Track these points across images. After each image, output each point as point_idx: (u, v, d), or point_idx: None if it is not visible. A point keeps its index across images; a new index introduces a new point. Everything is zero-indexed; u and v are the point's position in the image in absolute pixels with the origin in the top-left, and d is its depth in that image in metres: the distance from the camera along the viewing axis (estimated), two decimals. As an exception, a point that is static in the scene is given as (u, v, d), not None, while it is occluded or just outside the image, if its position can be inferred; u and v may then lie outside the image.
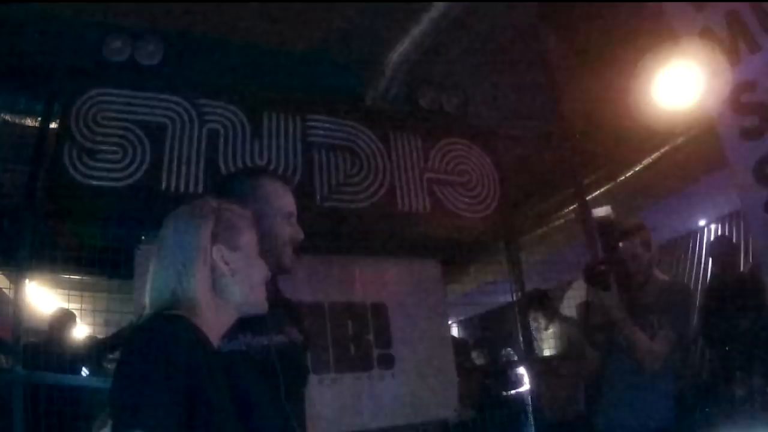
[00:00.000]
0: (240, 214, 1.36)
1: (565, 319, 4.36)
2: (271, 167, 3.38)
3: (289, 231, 1.58)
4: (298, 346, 1.62)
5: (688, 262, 6.13)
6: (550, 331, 4.46)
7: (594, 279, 2.20)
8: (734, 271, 4.19)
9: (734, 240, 5.19)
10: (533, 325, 4.62)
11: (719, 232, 5.88)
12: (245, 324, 1.43)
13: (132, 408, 1.02)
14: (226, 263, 1.26)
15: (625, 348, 2.22)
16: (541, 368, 4.05)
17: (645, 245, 2.38)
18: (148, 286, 1.23)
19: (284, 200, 1.61)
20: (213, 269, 1.25)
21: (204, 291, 1.21)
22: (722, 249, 4.38)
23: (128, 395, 1.05)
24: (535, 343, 4.59)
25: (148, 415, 1.01)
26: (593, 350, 2.40)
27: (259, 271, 1.34)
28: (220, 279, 1.25)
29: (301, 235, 1.60)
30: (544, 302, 4.43)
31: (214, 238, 1.26)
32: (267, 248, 1.45)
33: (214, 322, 1.22)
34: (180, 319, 1.14)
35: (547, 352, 4.52)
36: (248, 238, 1.33)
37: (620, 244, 2.38)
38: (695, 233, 6.21)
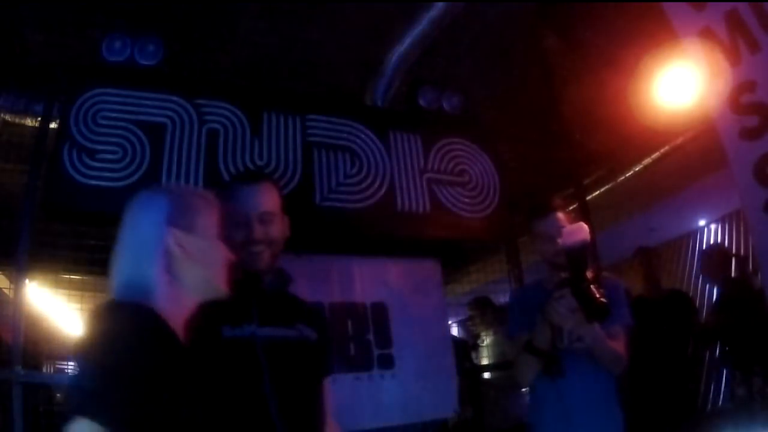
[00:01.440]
0: (198, 195, 1.34)
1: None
2: (271, 167, 3.38)
3: (238, 234, 1.60)
4: (311, 342, 1.64)
5: (689, 262, 6.13)
6: (487, 341, 4.47)
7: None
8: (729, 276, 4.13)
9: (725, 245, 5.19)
10: (472, 331, 4.68)
11: (719, 232, 5.89)
12: (253, 313, 1.51)
13: (81, 396, 1.01)
14: (181, 246, 1.22)
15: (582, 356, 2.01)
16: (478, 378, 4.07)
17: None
18: (110, 275, 1.22)
19: (251, 201, 1.65)
20: (169, 253, 1.21)
21: (160, 276, 1.18)
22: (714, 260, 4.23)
23: (78, 383, 1.04)
24: (473, 353, 4.62)
25: (96, 404, 0.99)
26: (533, 358, 2.07)
27: (218, 253, 1.30)
28: (176, 262, 1.22)
29: (255, 236, 1.62)
30: (486, 310, 4.45)
31: (169, 222, 1.22)
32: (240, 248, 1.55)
33: (173, 308, 1.20)
34: (134, 306, 1.11)
35: (485, 361, 4.55)
36: (205, 220, 1.29)
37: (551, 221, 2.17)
38: (695, 233, 6.21)
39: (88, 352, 1.06)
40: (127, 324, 1.07)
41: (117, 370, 1.01)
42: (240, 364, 1.50)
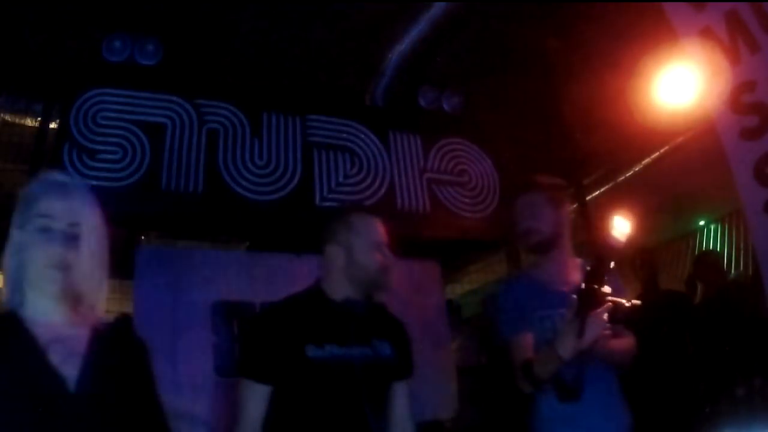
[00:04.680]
0: None
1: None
2: (271, 167, 3.38)
3: (379, 258, 1.75)
4: (384, 358, 1.74)
5: (688, 262, 6.13)
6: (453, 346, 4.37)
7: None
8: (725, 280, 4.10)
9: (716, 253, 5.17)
10: None
11: (719, 232, 5.89)
12: (333, 334, 1.65)
13: None
14: None
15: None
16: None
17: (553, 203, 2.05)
18: None
19: (372, 231, 1.79)
20: None
21: None
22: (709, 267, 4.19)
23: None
24: None
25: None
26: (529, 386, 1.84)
27: None
28: None
29: (392, 261, 1.78)
30: (452, 313, 4.38)
31: None
32: (360, 275, 1.72)
33: None
34: None
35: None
36: None
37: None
38: (695, 233, 6.21)
39: None
40: None
41: None
42: (321, 382, 1.63)
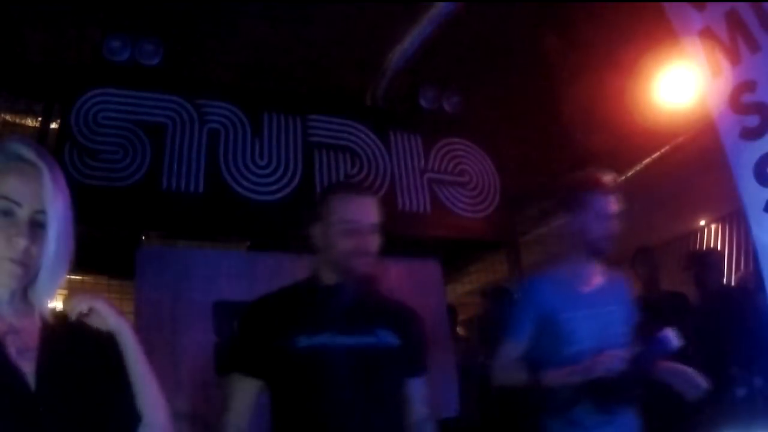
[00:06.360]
0: None
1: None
2: (271, 167, 3.39)
3: (348, 242, 1.57)
4: (391, 347, 1.63)
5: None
6: None
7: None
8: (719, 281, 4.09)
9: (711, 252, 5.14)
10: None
11: (719, 232, 5.89)
12: (329, 322, 1.54)
13: None
14: None
15: None
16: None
17: None
18: None
19: (344, 212, 1.60)
20: None
21: None
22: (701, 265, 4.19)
23: None
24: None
25: None
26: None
27: None
28: None
29: (368, 246, 1.59)
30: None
31: None
32: (332, 258, 1.58)
33: None
34: None
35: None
36: None
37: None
38: (695, 233, 6.21)
39: None
40: None
41: None
42: (313, 373, 1.53)
